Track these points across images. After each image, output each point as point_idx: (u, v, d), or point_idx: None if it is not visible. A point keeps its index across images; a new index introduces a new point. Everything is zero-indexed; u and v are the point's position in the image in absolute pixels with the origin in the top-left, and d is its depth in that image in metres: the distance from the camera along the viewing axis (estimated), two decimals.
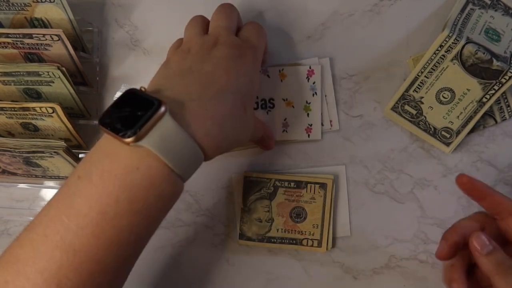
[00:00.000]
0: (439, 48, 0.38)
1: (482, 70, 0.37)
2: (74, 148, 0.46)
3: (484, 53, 0.36)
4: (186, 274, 0.50)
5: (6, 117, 0.43)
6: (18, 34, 0.41)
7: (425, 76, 0.39)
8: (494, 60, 0.36)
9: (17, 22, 0.44)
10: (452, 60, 0.38)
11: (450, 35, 0.37)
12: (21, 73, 0.41)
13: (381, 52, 0.46)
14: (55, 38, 0.41)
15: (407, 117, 0.41)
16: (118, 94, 0.50)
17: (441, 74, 0.39)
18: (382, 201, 0.47)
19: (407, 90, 0.40)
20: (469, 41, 0.37)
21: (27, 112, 0.42)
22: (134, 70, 0.49)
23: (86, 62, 0.49)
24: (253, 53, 0.37)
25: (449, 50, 0.37)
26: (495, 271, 0.30)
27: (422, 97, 0.40)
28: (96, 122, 0.50)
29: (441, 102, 0.39)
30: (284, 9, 0.47)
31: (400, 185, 0.47)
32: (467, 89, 0.38)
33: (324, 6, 0.47)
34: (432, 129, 0.40)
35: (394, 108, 0.41)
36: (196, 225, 0.49)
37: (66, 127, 0.44)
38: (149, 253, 0.50)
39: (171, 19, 0.49)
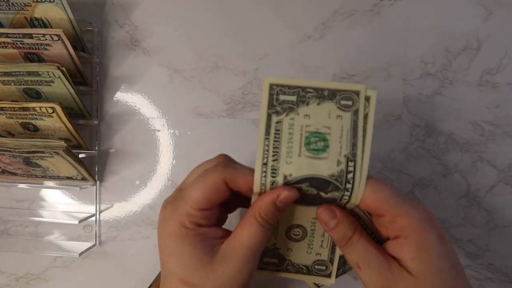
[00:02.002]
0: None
1: (316, 200, 0.30)
2: (74, 148, 0.46)
3: (308, 190, 0.29)
4: None
5: (6, 117, 0.43)
6: (18, 34, 0.41)
7: None
8: (323, 194, 0.29)
9: (17, 22, 0.44)
10: None
11: (262, 182, 0.29)
12: (21, 73, 0.41)
13: (381, 52, 0.46)
14: (55, 38, 0.41)
15: (272, 268, 0.35)
16: (118, 94, 0.50)
17: (281, 216, 0.32)
18: None
19: None
20: (287, 182, 0.29)
21: (27, 112, 0.42)
22: (134, 70, 0.49)
23: (86, 62, 0.49)
24: None
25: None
26: (341, 243, 0.30)
27: (275, 244, 0.34)
28: (96, 122, 0.50)
29: (295, 240, 0.34)
30: (285, 8, 0.47)
31: (400, 185, 0.47)
32: (313, 218, 0.32)
33: (324, 6, 0.47)
34: (304, 268, 0.35)
35: None
36: None
37: (66, 127, 0.44)
38: (149, 253, 0.50)
39: (171, 19, 0.49)
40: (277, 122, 0.28)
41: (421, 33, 0.46)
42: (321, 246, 0.34)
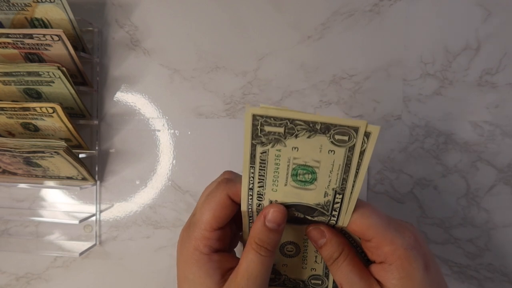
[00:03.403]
0: (250, 218, 0.31)
1: (305, 221, 0.30)
2: (74, 148, 0.46)
3: (295, 214, 0.29)
4: None
5: (7, 117, 0.43)
6: (19, 34, 0.41)
7: None
8: (309, 217, 0.30)
9: (18, 22, 0.44)
10: None
11: (249, 203, 0.29)
12: (22, 73, 0.41)
13: (381, 52, 0.46)
14: (55, 38, 0.41)
15: (270, 283, 0.34)
16: (118, 94, 0.50)
17: None
18: (382, 201, 0.47)
19: None
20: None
21: (27, 112, 0.42)
22: (134, 70, 0.50)
23: (87, 62, 0.49)
24: None
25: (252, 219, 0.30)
26: (328, 262, 0.31)
27: None
28: (96, 122, 0.50)
29: (290, 256, 0.34)
30: (285, 8, 0.47)
31: (400, 185, 0.47)
32: (304, 235, 0.32)
33: (324, 6, 0.47)
34: (301, 283, 0.34)
35: None
36: None
37: (66, 127, 0.44)
38: (149, 253, 0.50)
39: (171, 19, 0.49)
40: (262, 153, 0.26)
41: (421, 33, 0.46)
42: (315, 261, 0.34)
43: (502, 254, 0.46)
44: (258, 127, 0.25)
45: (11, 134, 0.46)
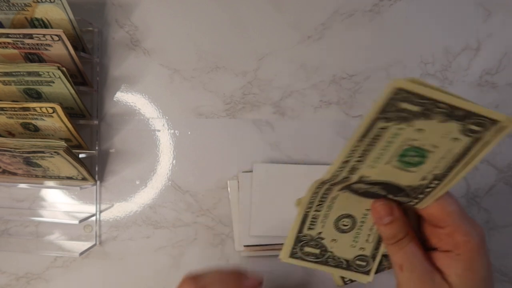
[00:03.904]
0: (321, 185, 0.30)
1: (377, 195, 0.30)
2: (74, 148, 0.46)
3: (376, 191, 0.29)
4: None
5: (7, 117, 0.43)
6: (19, 34, 0.41)
7: (315, 210, 0.32)
8: (391, 196, 0.29)
9: (18, 22, 0.44)
10: (340, 190, 0.30)
11: (335, 174, 0.27)
12: (22, 73, 0.41)
13: (381, 52, 0.46)
14: (56, 38, 0.41)
15: (311, 259, 0.33)
16: (118, 94, 0.50)
17: (332, 204, 0.31)
18: None
19: (300, 231, 0.33)
20: (360, 181, 0.28)
21: (27, 112, 0.42)
22: (134, 70, 0.50)
23: (87, 62, 0.49)
24: None
25: (335, 185, 0.29)
26: (389, 241, 0.30)
27: (320, 233, 0.33)
28: (96, 122, 0.50)
29: (343, 231, 0.33)
30: (285, 8, 0.47)
31: None
32: (366, 209, 0.31)
33: (324, 6, 0.47)
34: (344, 262, 0.33)
35: (293, 255, 0.34)
36: (196, 225, 0.49)
37: (66, 127, 0.44)
38: (149, 253, 0.50)
39: (171, 19, 0.49)
40: (380, 128, 0.24)
41: (421, 33, 0.46)
42: (367, 240, 0.33)
43: (502, 254, 0.46)
44: (394, 102, 0.22)
45: (11, 134, 0.46)
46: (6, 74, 0.42)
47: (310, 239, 0.33)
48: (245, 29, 0.48)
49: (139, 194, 0.50)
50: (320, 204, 0.31)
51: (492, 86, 0.45)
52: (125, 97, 0.50)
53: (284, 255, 0.34)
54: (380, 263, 0.34)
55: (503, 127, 0.23)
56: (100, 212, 0.51)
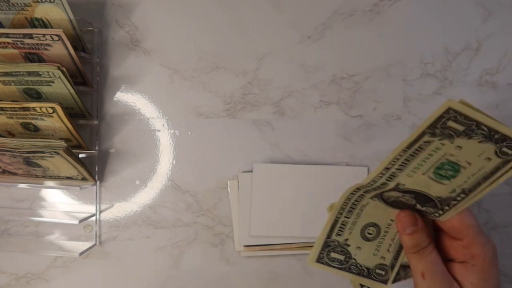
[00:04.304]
0: (356, 191, 0.31)
1: (405, 206, 0.32)
2: (74, 148, 0.46)
3: (407, 200, 0.31)
4: (186, 274, 0.50)
5: (7, 117, 0.43)
6: (18, 34, 0.41)
7: (345, 217, 0.33)
8: (418, 206, 0.31)
9: (17, 22, 0.44)
10: (371, 198, 0.32)
11: (375, 180, 0.29)
12: (21, 73, 0.41)
13: (381, 52, 0.46)
14: (55, 38, 0.41)
15: (336, 265, 0.35)
16: (118, 94, 0.50)
17: (361, 211, 0.33)
18: None
19: (329, 236, 0.34)
20: (395, 189, 0.30)
21: (27, 112, 0.42)
22: (134, 70, 0.50)
23: (86, 62, 0.49)
24: None
25: (369, 191, 0.31)
26: (412, 249, 0.32)
27: (347, 239, 0.34)
28: (96, 122, 0.50)
29: (367, 239, 0.34)
30: (285, 8, 0.47)
31: None
32: (390, 220, 0.33)
33: (324, 6, 0.47)
34: (366, 270, 0.35)
35: (319, 260, 0.35)
36: (196, 225, 0.49)
37: (66, 127, 0.44)
38: (149, 253, 0.50)
39: (171, 19, 0.49)
40: (425, 142, 0.26)
41: (421, 33, 0.46)
42: (388, 250, 0.34)
43: (502, 254, 0.46)
44: (443, 120, 0.25)
45: (11, 134, 0.46)
46: (6, 74, 0.42)
47: (337, 245, 0.34)
48: (245, 29, 0.48)
49: (139, 194, 0.50)
50: (350, 211, 0.33)
51: (492, 86, 0.45)
52: (125, 97, 0.50)
53: (311, 259, 0.35)
54: (397, 273, 0.35)
55: None
56: (100, 212, 0.51)
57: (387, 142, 0.47)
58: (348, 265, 0.35)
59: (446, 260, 0.32)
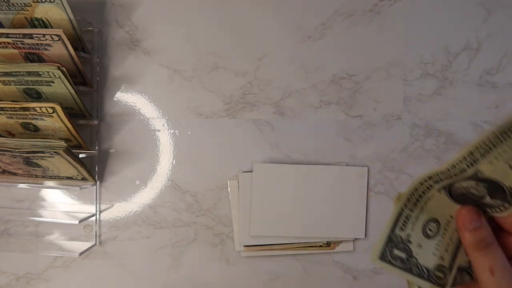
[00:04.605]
0: (425, 180, 0.31)
1: (471, 201, 0.31)
2: (74, 148, 0.46)
3: (479, 190, 0.30)
4: (186, 274, 0.50)
5: (7, 117, 0.43)
6: (18, 34, 0.41)
7: (409, 210, 0.32)
8: (488, 198, 0.30)
9: (17, 22, 0.44)
10: (439, 190, 0.31)
11: (455, 163, 0.29)
12: (21, 73, 0.41)
13: (381, 52, 0.46)
14: (55, 38, 0.41)
15: (398, 264, 0.33)
16: (118, 94, 0.50)
17: (425, 205, 0.32)
18: (382, 201, 0.47)
19: (392, 230, 0.33)
20: (473, 177, 0.30)
21: (27, 112, 0.42)
22: (134, 70, 0.50)
23: (86, 62, 0.49)
24: None
25: (438, 182, 0.30)
26: (476, 246, 0.30)
27: (409, 235, 0.33)
28: (96, 122, 0.50)
29: (428, 237, 0.33)
30: (285, 8, 0.47)
31: (400, 185, 0.47)
32: (450, 216, 0.32)
33: (324, 6, 0.47)
34: (426, 271, 0.34)
35: (383, 257, 0.33)
36: (196, 225, 0.49)
37: (66, 127, 0.44)
38: (149, 253, 0.50)
39: (171, 19, 0.49)
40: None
41: (421, 33, 0.46)
42: (446, 250, 0.33)
43: None
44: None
45: (11, 134, 0.46)
46: (6, 74, 0.42)
47: (400, 241, 0.33)
48: (245, 29, 0.48)
49: (139, 194, 0.50)
50: (415, 204, 0.32)
51: (492, 86, 0.45)
52: (125, 97, 0.50)
53: (374, 255, 0.33)
54: (455, 277, 0.34)
55: None
56: (100, 212, 0.51)
57: (387, 142, 0.47)
58: (409, 265, 0.34)
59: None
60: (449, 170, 0.29)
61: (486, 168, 0.28)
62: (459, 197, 0.31)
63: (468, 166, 0.28)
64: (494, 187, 0.29)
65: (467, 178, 0.29)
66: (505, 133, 0.26)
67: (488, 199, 0.30)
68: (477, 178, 0.29)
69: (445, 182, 0.30)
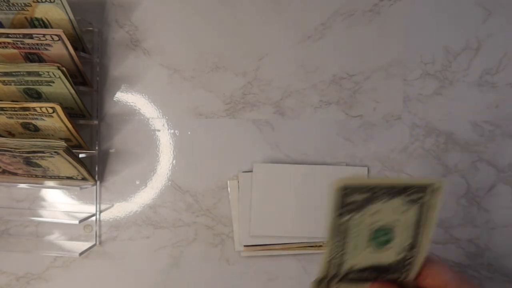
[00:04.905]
0: (319, 284, 0.31)
1: (373, 279, 0.32)
2: (74, 148, 0.46)
3: (369, 274, 0.31)
4: (186, 274, 0.50)
5: (7, 117, 0.43)
6: (19, 34, 0.41)
7: None
8: (382, 276, 0.31)
9: (17, 22, 0.44)
10: (338, 283, 0.31)
11: (327, 270, 0.29)
12: (22, 73, 0.41)
13: (381, 52, 0.46)
14: (55, 38, 0.41)
15: None
16: (118, 94, 0.50)
17: None
18: None
19: None
20: (351, 271, 0.30)
21: (27, 112, 0.42)
22: (134, 70, 0.50)
23: (87, 62, 0.49)
24: None
25: (331, 280, 0.31)
26: None
27: None
28: (96, 122, 0.50)
29: None
30: (285, 8, 0.47)
31: None
32: None
33: (324, 6, 0.47)
34: None
35: None
36: (196, 225, 0.49)
37: (66, 127, 0.44)
38: (149, 253, 0.50)
39: (171, 19, 0.49)
40: (344, 221, 0.27)
41: (421, 33, 0.46)
42: None
43: (502, 254, 0.46)
44: (343, 198, 0.27)
45: (11, 134, 0.46)
46: (6, 74, 0.42)
47: None
48: (245, 29, 0.48)
49: (139, 194, 0.50)
50: None
51: (492, 86, 0.45)
52: (125, 97, 0.50)
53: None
54: None
55: (437, 188, 0.27)
56: (100, 212, 0.51)
57: (387, 142, 0.47)
58: None
59: None
60: (326, 274, 0.30)
61: (356, 260, 0.29)
62: (361, 280, 0.31)
63: (337, 268, 0.29)
64: (379, 269, 0.30)
65: (348, 273, 0.30)
66: (339, 233, 0.28)
67: (385, 276, 0.31)
68: (357, 270, 0.30)
69: (335, 280, 0.31)
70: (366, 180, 0.27)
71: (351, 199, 0.27)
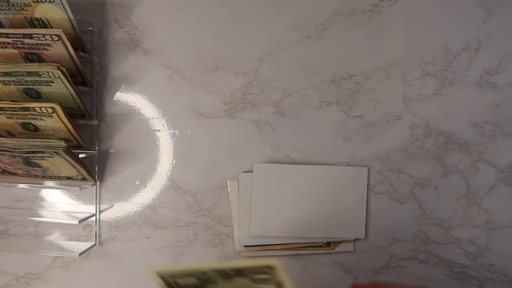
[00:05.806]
0: None
1: None
2: (74, 148, 0.46)
3: None
4: None
5: (6, 117, 0.43)
6: (18, 34, 0.41)
7: None
8: None
9: (17, 22, 0.44)
10: None
11: None
12: (21, 73, 0.41)
13: (381, 52, 0.46)
14: (55, 38, 0.41)
15: None
16: (118, 94, 0.50)
17: None
18: (382, 201, 0.47)
19: None
20: None
21: (27, 112, 0.42)
22: (134, 70, 0.50)
23: (86, 62, 0.49)
24: None
25: None
26: None
27: None
28: (96, 122, 0.50)
29: None
30: (285, 8, 0.47)
31: (400, 185, 0.47)
32: None
33: (324, 6, 0.47)
34: None
35: None
36: (196, 225, 0.49)
37: (66, 127, 0.44)
38: (149, 253, 0.50)
39: (171, 19, 0.49)
40: None
41: (421, 33, 0.46)
42: None
43: (502, 254, 0.46)
44: (171, 282, 0.27)
45: (11, 134, 0.46)
46: (6, 74, 0.42)
47: None
48: (245, 29, 0.48)
49: (139, 194, 0.50)
50: None
51: (492, 86, 0.45)
52: (125, 97, 0.50)
53: None
54: None
55: (277, 267, 0.26)
56: (100, 212, 0.51)
57: (387, 142, 0.47)
58: None
59: None
60: None
61: None
62: None
63: None
64: None
65: None
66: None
67: None
68: None
69: None
70: (180, 267, 0.26)
71: (182, 282, 0.26)
